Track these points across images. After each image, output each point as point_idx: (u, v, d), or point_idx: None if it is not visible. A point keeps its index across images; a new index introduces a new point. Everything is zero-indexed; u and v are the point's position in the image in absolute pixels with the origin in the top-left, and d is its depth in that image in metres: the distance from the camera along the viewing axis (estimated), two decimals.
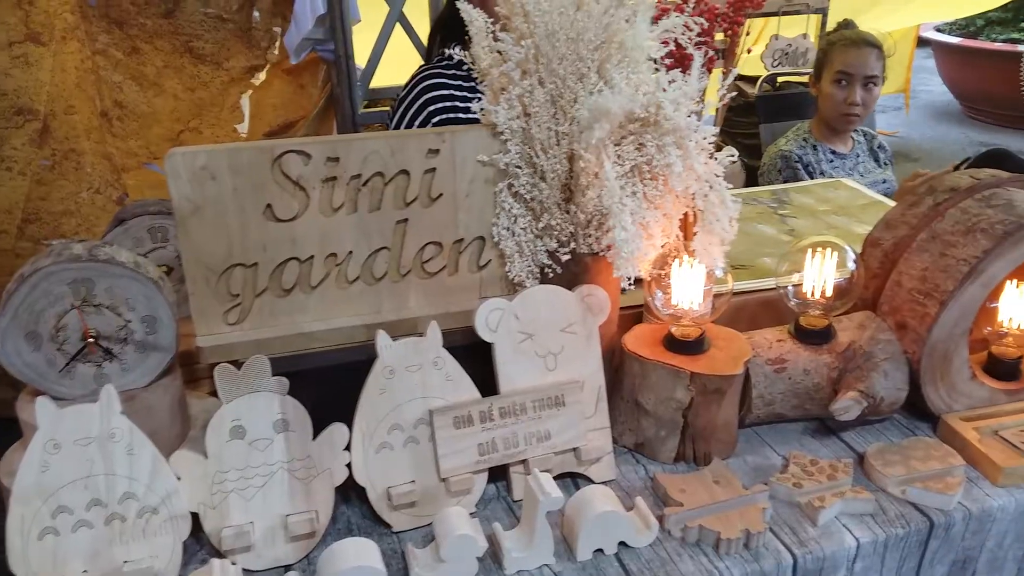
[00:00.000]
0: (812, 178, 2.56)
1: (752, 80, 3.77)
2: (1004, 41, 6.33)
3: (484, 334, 0.98)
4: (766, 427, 1.13)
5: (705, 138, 0.99)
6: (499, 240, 1.05)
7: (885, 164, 2.73)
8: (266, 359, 0.89)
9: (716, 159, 1.02)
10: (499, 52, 1.00)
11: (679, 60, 1.02)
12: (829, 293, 1.09)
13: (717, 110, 4.29)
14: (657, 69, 1.00)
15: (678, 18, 0.95)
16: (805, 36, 3.97)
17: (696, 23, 0.95)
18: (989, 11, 6.31)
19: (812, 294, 1.10)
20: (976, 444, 1.04)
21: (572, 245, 1.02)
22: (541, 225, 1.03)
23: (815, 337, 1.10)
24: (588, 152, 0.91)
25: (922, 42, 6.90)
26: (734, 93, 1.01)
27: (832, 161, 2.61)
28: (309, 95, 2.91)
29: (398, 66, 2.41)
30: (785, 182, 2.57)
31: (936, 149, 5.83)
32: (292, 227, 0.97)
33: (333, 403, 0.96)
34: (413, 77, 1.78)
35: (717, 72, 4.44)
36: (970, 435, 1.06)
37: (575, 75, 0.93)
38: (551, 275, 1.04)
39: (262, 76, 2.83)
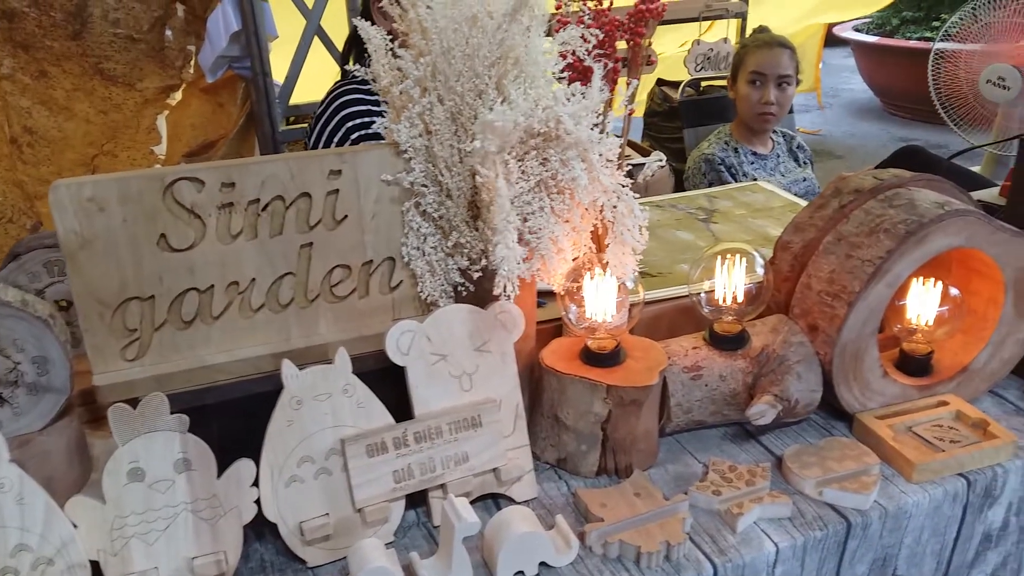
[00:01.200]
0: (735, 180, 2.60)
1: (677, 85, 3.83)
2: (918, 39, 6.56)
3: (395, 358, 0.96)
4: (687, 434, 1.13)
5: (611, 149, 0.99)
6: (409, 260, 1.02)
7: (805, 163, 2.80)
8: (163, 396, 0.85)
9: (632, 168, 1.02)
10: (399, 69, 0.98)
11: (581, 73, 1.01)
12: (740, 299, 1.10)
13: (644, 116, 4.36)
14: (560, 81, 0.99)
15: (574, 30, 0.95)
16: (726, 40, 4.05)
17: (592, 35, 0.95)
18: (904, 11, 6.54)
19: (724, 300, 1.10)
20: (890, 442, 1.06)
21: (483, 262, 1.01)
22: (451, 243, 1.01)
23: (729, 343, 1.11)
24: (485, 168, 0.89)
25: (841, 42, 7.13)
26: (635, 105, 1.01)
27: (753, 163, 2.67)
28: (229, 113, 2.84)
29: (319, 81, 2.37)
30: (710, 185, 2.61)
31: (859, 146, 6.01)
32: (189, 256, 0.93)
33: (243, 437, 0.92)
34: (329, 93, 1.75)
35: (648, 79, 4.49)
36: (884, 433, 1.08)
37: (473, 92, 0.92)
38: (465, 293, 1.03)
39: (178, 96, 2.76)
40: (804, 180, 2.74)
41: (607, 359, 1.05)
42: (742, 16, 4.03)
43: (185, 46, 2.69)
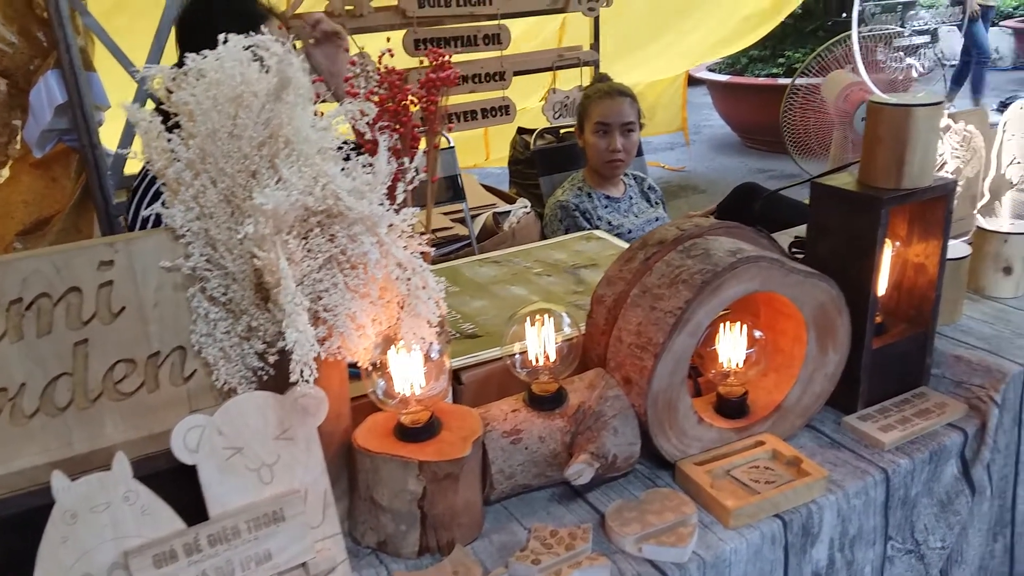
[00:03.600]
0: (590, 224, 2.66)
1: (539, 133, 3.91)
2: (765, 76, 6.97)
3: (183, 456, 0.90)
4: (514, 499, 1.11)
5: (405, 221, 0.97)
6: (200, 348, 0.97)
7: (656, 203, 2.89)
8: None
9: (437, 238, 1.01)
10: (172, 151, 0.93)
11: (373, 145, 1.00)
12: (553, 358, 1.10)
13: (509, 164, 4.42)
14: (347, 157, 0.97)
15: (351, 105, 0.93)
16: (580, 88, 4.17)
17: (370, 109, 0.93)
18: (751, 51, 6.94)
19: (537, 361, 1.10)
20: (708, 488, 1.07)
21: (280, 344, 0.96)
22: (243, 327, 0.96)
23: (547, 403, 1.10)
24: (263, 251, 0.86)
25: (697, 81, 7.48)
26: (422, 176, 1.00)
27: (607, 206, 2.73)
28: (63, 187, 2.69)
29: None
30: (567, 231, 2.65)
31: (720, 179, 6.28)
32: None
33: (25, 559, 0.84)
34: (144, 165, 1.67)
35: (510, 128, 4.51)
36: (702, 479, 1.09)
37: (245, 172, 0.89)
38: (266, 377, 0.98)
39: (5, 172, 2.60)
40: (657, 219, 2.82)
41: (421, 433, 1.02)
42: (595, 64, 4.16)
43: (10, 121, 2.55)
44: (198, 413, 0.95)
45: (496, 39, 3.75)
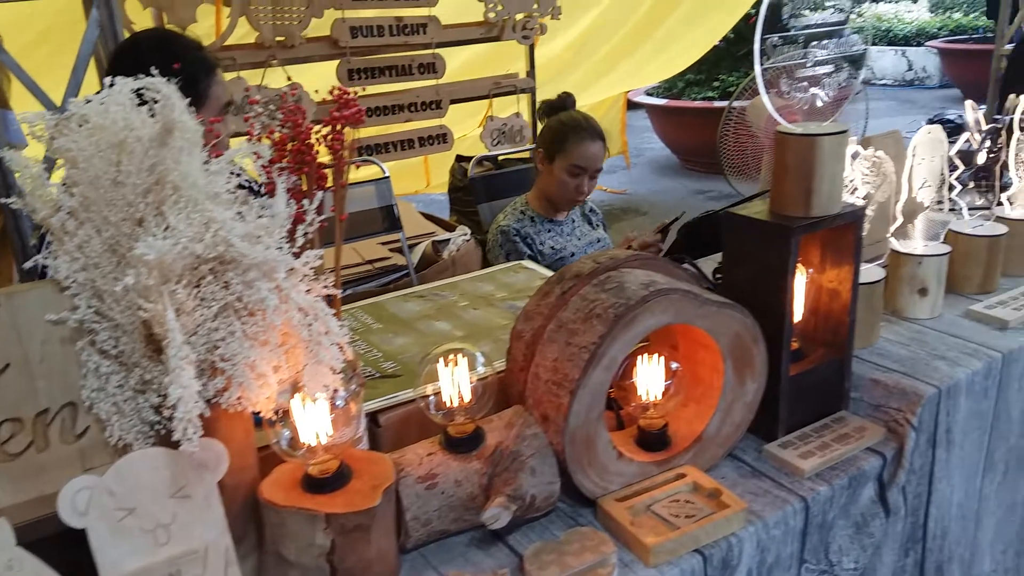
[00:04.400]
0: (531, 249, 2.65)
1: (478, 161, 3.90)
2: (701, 99, 7.11)
3: (72, 520, 0.85)
4: (433, 545, 1.08)
5: (306, 264, 0.95)
6: (92, 403, 0.93)
7: (597, 225, 2.91)
8: None
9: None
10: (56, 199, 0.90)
11: (271, 187, 0.97)
12: (468, 398, 1.07)
13: (448, 192, 4.40)
14: (246, 201, 0.94)
15: (245, 148, 0.91)
16: (518, 115, 4.20)
17: (265, 152, 0.91)
18: (687, 74, 7.08)
19: (451, 402, 1.07)
20: (628, 526, 1.05)
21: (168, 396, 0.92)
22: (136, 380, 0.92)
23: (464, 445, 1.07)
24: (149, 302, 0.82)
25: (637, 105, 7.60)
26: (324, 216, 0.98)
27: (551, 231, 2.73)
28: None
29: None
30: (507, 257, 2.64)
31: (660, 201, 6.37)
32: None
33: None
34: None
35: (448, 156, 4.51)
36: (623, 516, 1.07)
37: (131, 220, 0.85)
38: (163, 432, 0.94)
39: None
40: (599, 241, 2.84)
41: (329, 483, 0.98)
42: (531, 91, 4.19)
43: None
44: (91, 472, 0.91)
45: (431, 68, 3.75)
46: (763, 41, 0.98)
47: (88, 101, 0.88)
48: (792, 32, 1.05)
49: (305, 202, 0.97)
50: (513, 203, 2.82)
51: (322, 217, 0.97)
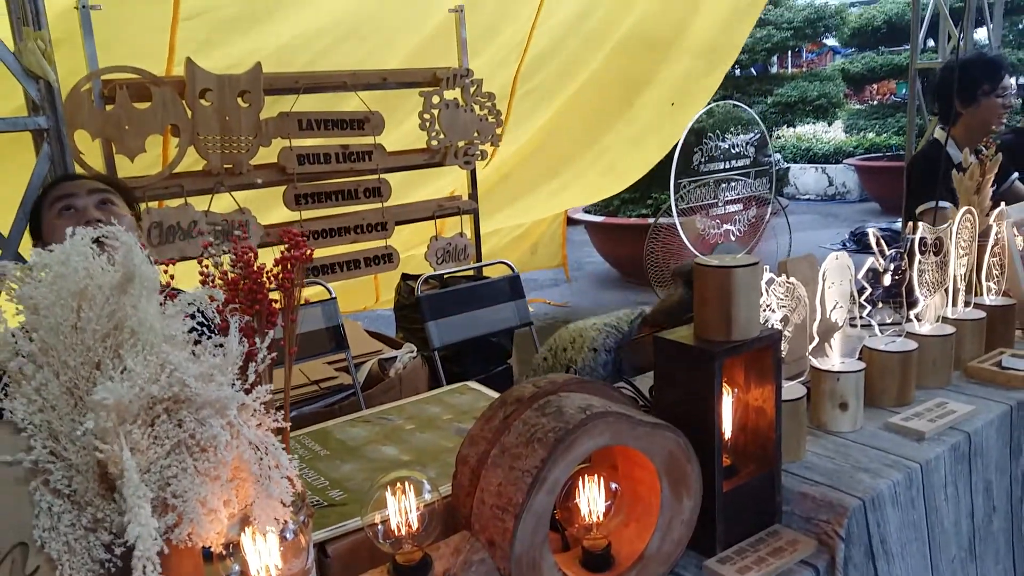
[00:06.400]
0: None
1: (424, 280, 3.98)
2: (636, 216, 7.43)
3: None
4: None
5: (257, 400, 0.99)
6: (43, 543, 0.93)
7: None
8: None
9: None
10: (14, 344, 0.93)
11: (224, 326, 1.02)
12: (416, 526, 1.10)
13: (395, 309, 4.46)
14: (198, 342, 0.99)
15: (200, 292, 0.96)
16: (462, 234, 4.33)
17: (218, 295, 0.97)
18: (623, 193, 7.41)
19: (399, 530, 1.10)
20: None
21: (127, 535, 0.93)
22: (88, 519, 0.93)
23: (412, 573, 1.09)
24: (105, 444, 0.85)
25: (576, 222, 7.89)
26: (273, 355, 1.03)
27: None
28: None
29: None
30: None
31: (603, 312, 6.51)
32: None
33: None
34: None
35: (393, 275, 4.57)
36: None
37: (89, 364, 0.89)
38: (113, 570, 0.94)
39: None
40: None
41: None
42: (473, 212, 4.35)
43: None
44: None
45: (377, 192, 3.88)
46: (677, 186, 1.08)
47: (51, 251, 0.93)
48: (702, 176, 1.17)
49: (257, 339, 1.02)
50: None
51: (272, 355, 1.02)
